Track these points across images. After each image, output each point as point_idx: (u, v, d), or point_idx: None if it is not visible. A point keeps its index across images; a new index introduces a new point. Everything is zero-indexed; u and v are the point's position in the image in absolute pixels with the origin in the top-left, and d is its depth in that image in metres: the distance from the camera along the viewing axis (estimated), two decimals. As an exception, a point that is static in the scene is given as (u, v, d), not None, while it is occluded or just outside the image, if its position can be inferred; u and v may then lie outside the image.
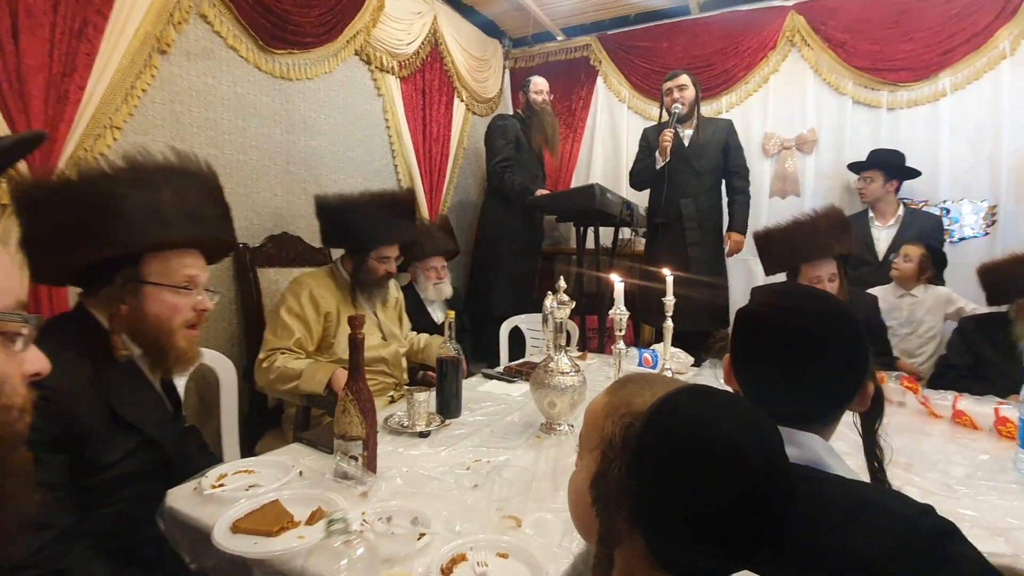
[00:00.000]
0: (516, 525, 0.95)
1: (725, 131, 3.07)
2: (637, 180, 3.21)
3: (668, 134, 2.88)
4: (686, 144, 3.00)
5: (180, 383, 1.76)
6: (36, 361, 0.51)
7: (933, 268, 2.53)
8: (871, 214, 2.94)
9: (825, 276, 2.01)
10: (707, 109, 3.56)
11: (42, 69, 1.62)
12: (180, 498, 1.03)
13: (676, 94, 2.94)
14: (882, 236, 2.89)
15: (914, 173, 2.90)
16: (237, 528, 0.90)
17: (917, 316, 2.55)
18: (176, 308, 1.10)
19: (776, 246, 2.12)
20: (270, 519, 0.92)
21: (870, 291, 2.50)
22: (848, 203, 3.24)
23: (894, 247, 2.76)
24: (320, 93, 2.70)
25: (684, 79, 2.96)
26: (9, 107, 1.56)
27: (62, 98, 1.68)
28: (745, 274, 3.55)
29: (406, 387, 1.54)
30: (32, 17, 1.59)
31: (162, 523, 1.01)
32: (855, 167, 3.03)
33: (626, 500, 0.50)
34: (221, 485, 1.07)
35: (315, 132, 2.69)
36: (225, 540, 0.87)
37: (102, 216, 0.99)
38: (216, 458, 1.37)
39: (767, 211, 3.48)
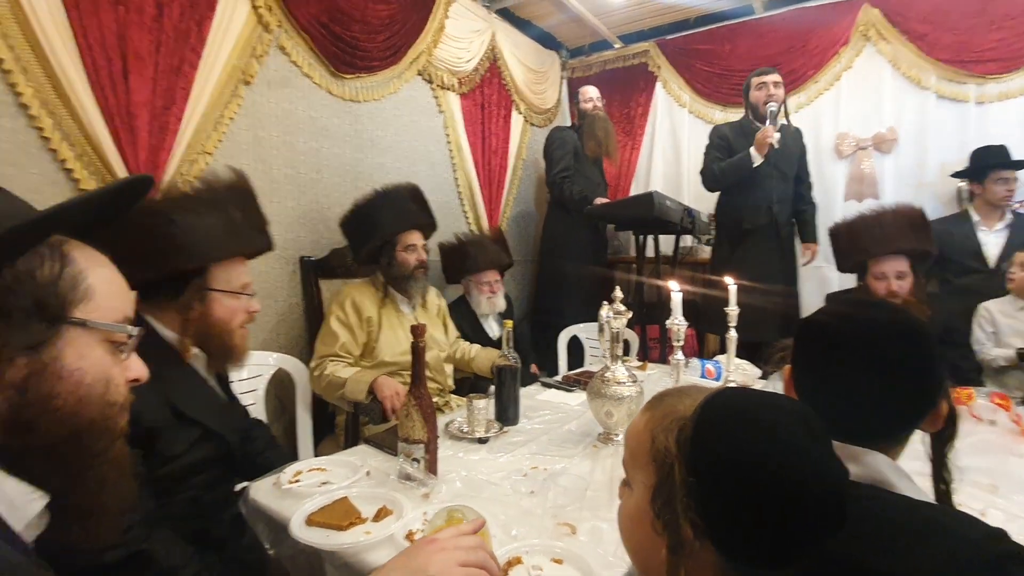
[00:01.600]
0: (571, 532, 0.97)
1: (799, 137, 2.94)
2: (719, 178, 2.90)
3: (771, 129, 2.66)
4: (777, 146, 2.76)
5: (259, 384, 1.92)
6: (137, 368, 0.61)
7: None
8: (975, 217, 2.64)
9: (892, 274, 1.89)
10: (775, 111, 3.44)
11: (147, 104, 1.82)
12: (261, 491, 1.12)
13: (772, 90, 2.74)
14: (990, 241, 2.60)
15: None
16: (311, 521, 0.98)
17: None
18: (235, 311, 1.22)
19: (842, 242, 2.03)
20: (340, 514, 0.99)
21: (988, 303, 2.27)
22: (934, 204, 3.02)
23: (1006, 254, 2.49)
24: (386, 113, 2.84)
25: (776, 76, 2.78)
26: (121, 139, 1.76)
27: (163, 129, 1.88)
28: (819, 282, 3.38)
29: (470, 395, 1.61)
30: (139, 59, 1.79)
31: (244, 508, 1.10)
32: (975, 172, 2.65)
33: (691, 502, 0.50)
34: (297, 481, 1.16)
35: (382, 150, 2.83)
36: (301, 531, 0.95)
37: (179, 231, 1.11)
38: (284, 451, 1.47)
39: (842, 215, 3.27)
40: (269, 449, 1.43)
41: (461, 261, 2.70)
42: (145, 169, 1.82)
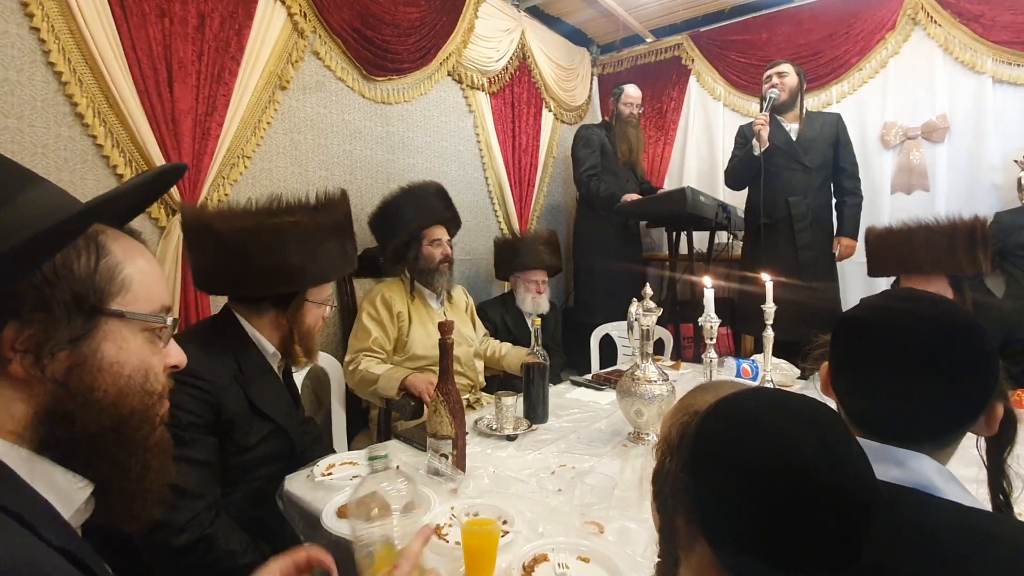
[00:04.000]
0: (598, 531, 0.96)
1: (834, 125, 2.77)
2: (733, 176, 2.94)
3: (762, 117, 2.65)
4: (793, 138, 2.73)
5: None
6: (175, 355, 0.62)
7: None
8: None
9: None
10: (815, 101, 3.30)
11: (190, 111, 1.90)
12: (296, 483, 1.16)
13: (776, 79, 2.71)
14: None
15: None
16: (342, 513, 1.00)
17: None
18: (318, 319, 1.33)
19: (873, 251, 1.91)
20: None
21: None
22: (992, 195, 2.85)
23: None
24: (416, 114, 2.88)
25: (785, 66, 2.74)
26: (166, 145, 1.85)
27: (205, 134, 1.96)
28: (862, 279, 3.22)
29: (498, 392, 1.62)
30: (183, 68, 1.88)
31: (281, 503, 1.14)
32: None
33: (683, 498, 0.50)
34: (329, 474, 1.18)
35: (413, 151, 2.87)
36: (332, 523, 0.97)
37: (302, 254, 1.22)
38: (326, 448, 1.52)
39: (889, 208, 3.15)
40: (315, 444, 1.48)
41: (512, 257, 2.74)
42: (188, 173, 1.90)
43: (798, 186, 2.72)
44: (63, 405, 0.51)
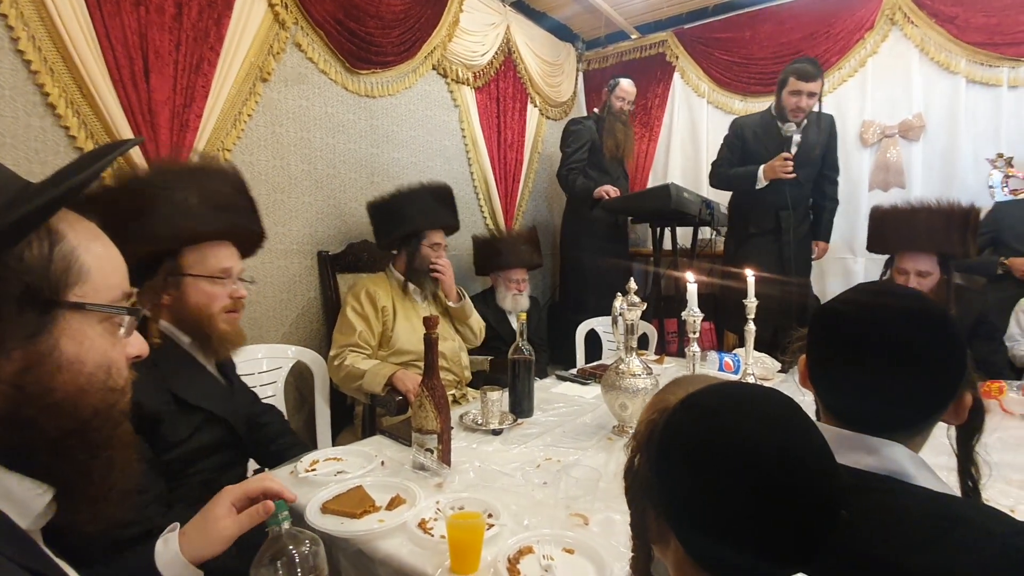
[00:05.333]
0: (583, 523, 0.97)
1: (828, 130, 2.71)
2: (723, 184, 2.89)
3: (789, 166, 2.51)
4: (792, 151, 2.60)
5: (278, 376, 1.95)
6: (137, 345, 0.58)
7: None
8: None
9: (912, 271, 1.85)
10: (796, 99, 3.34)
11: (168, 102, 1.86)
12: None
13: (804, 101, 2.51)
14: None
15: None
16: (326, 509, 0.99)
17: None
18: (213, 296, 1.18)
19: (875, 228, 2.01)
20: (355, 502, 1.01)
21: None
22: (964, 193, 2.92)
23: None
24: (401, 108, 2.85)
25: (817, 86, 2.51)
26: (143, 136, 1.80)
27: (183, 126, 1.91)
28: (843, 274, 3.30)
29: (483, 387, 1.62)
30: (159, 58, 1.83)
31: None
32: None
33: (651, 494, 0.50)
34: (313, 470, 1.18)
35: (397, 145, 2.85)
36: (316, 519, 0.96)
37: (141, 216, 1.08)
38: (299, 438, 1.47)
39: (867, 204, 3.19)
40: (283, 435, 1.44)
41: (493, 257, 2.78)
42: (166, 166, 1.86)
43: (792, 199, 2.64)
44: (21, 409, 0.46)
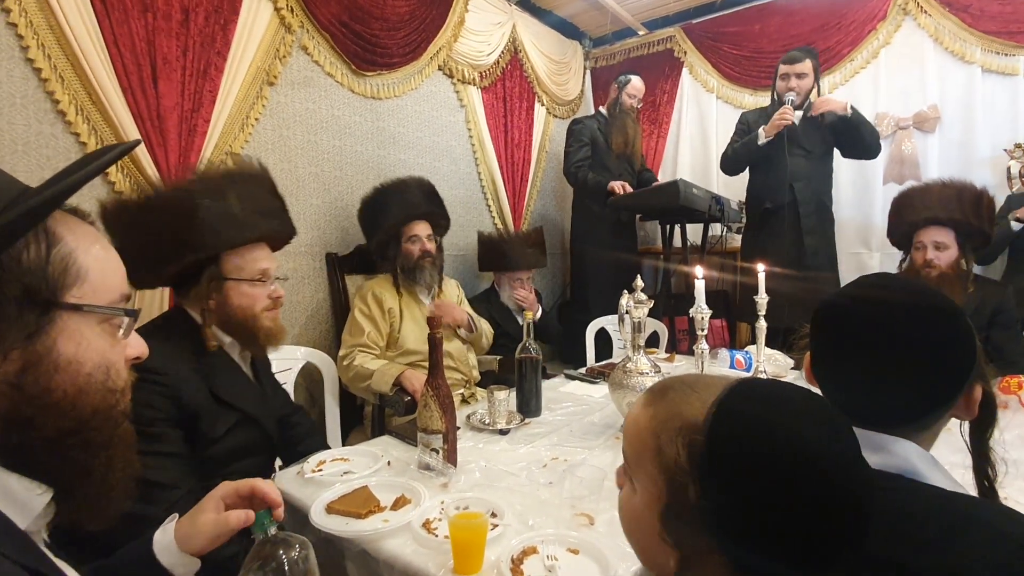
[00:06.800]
0: (588, 523, 0.96)
1: (836, 113, 2.72)
2: (731, 162, 2.91)
3: (789, 111, 2.59)
4: (796, 123, 2.68)
5: (288, 377, 1.97)
6: (137, 346, 0.58)
7: None
8: None
9: (929, 243, 1.86)
10: (807, 92, 3.30)
11: (176, 108, 1.88)
12: (286, 479, 1.15)
13: (794, 82, 2.65)
14: None
15: None
16: (331, 509, 0.99)
17: None
18: (255, 298, 1.23)
19: (894, 211, 2.04)
20: (360, 502, 1.01)
21: None
22: (983, 185, 2.85)
23: None
24: (407, 109, 2.86)
25: (805, 66, 2.65)
26: (152, 142, 1.83)
27: (192, 131, 1.93)
28: (858, 269, 3.24)
29: (491, 387, 1.62)
30: (167, 64, 1.85)
31: None
32: None
33: (708, 521, 0.46)
34: (320, 470, 1.18)
35: (404, 146, 2.85)
36: (321, 519, 0.96)
37: (183, 225, 1.13)
38: (324, 441, 1.51)
39: (882, 198, 3.14)
40: (310, 436, 1.47)
41: (498, 258, 2.78)
42: (175, 171, 1.88)
43: (801, 172, 2.71)
44: (20, 409, 0.47)
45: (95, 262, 0.52)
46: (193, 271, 1.18)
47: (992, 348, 1.83)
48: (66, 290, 0.50)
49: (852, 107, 2.61)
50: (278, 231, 1.33)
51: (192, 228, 1.13)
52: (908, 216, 1.96)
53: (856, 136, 2.63)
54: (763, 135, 2.69)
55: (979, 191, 1.87)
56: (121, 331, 0.55)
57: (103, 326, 0.53)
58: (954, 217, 1.85)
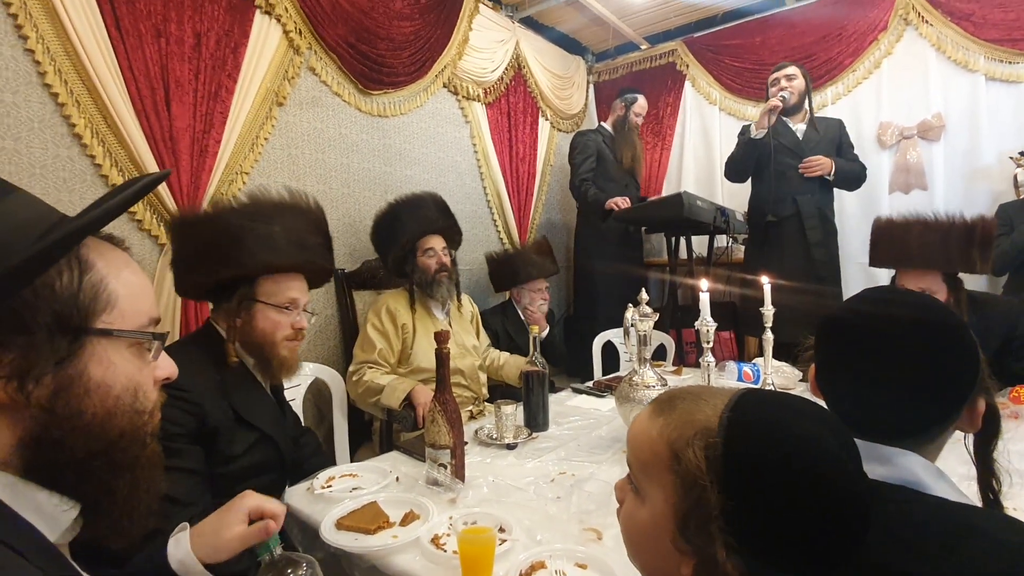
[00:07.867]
0: (596, 538, 0.95)
1: (837, 129, 2.81)
2: (733, 165, 2.93)
3: (775, 100, 2.66)
4: (800, 138, 2.76)
5: (297, 393, 1.98)
6: (166, 367, 0.60)
7: None
8: None
9: (912, 286, 1.71)
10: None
11: (188, 129, 1.93)
12: (296, 495, 1.16)
13: (784, 83, 2.73)
14: None
15: None
16: (341, 525, 1.00)
17: None
18: (278, 324, 1.25)
19: (875, 239, 1.89)
20: (369, 518, 1.01)
21: None
22: (988, 192, 2.85)
23: None
24: (413, 126, 2.90)
25: (792, 69, 2.75)
26: (165, 163, 1.87)
27: (203, 151, 1.98)
28: (865, 280, 3.22)
29: (498, 401, 1.62)
30: (180, 87, 1.90)
31: None
32: None
33: (729, 521, 0.46)
34: (329, 486, 1.19)
35: (410, 162, 2.89)
36: (330, 535, 0.97)
37: (228, 242, 1.18)
38: (327, 460, 1.52)
39: (888, 208, 3.13)
40: (315, 455, 1.49)
41: (510, 275, 2.78)
42: (187, 190, 1.92)
43: (804, 186, 2.73)
44: (50, 431, 0.48)
45: (124, 287, 0.54)
46: (230, 288, 1.22)
47: (1010, 375, 1.66)
48: (96, 316, 0.51)
49: (835, 163, 2.71)
50: (314, 265, 1.36)
51: (235, 247, 1.18)
52: (886, 254, 1.83)
53: (844, 182, 2.77)
54: (755, 130, 2.74)
55: (971, 224, 1.67)
56: (151, 353, 0.57)
57: (132, 349, 0.55)
58: (937, 268, 1.71)
